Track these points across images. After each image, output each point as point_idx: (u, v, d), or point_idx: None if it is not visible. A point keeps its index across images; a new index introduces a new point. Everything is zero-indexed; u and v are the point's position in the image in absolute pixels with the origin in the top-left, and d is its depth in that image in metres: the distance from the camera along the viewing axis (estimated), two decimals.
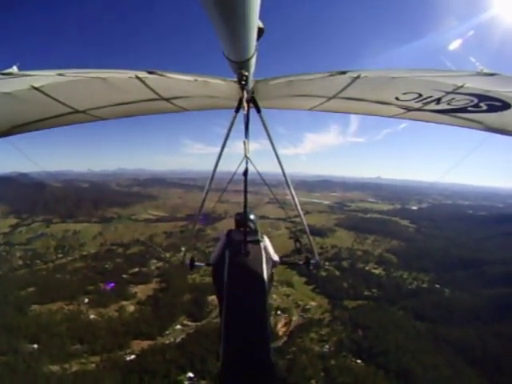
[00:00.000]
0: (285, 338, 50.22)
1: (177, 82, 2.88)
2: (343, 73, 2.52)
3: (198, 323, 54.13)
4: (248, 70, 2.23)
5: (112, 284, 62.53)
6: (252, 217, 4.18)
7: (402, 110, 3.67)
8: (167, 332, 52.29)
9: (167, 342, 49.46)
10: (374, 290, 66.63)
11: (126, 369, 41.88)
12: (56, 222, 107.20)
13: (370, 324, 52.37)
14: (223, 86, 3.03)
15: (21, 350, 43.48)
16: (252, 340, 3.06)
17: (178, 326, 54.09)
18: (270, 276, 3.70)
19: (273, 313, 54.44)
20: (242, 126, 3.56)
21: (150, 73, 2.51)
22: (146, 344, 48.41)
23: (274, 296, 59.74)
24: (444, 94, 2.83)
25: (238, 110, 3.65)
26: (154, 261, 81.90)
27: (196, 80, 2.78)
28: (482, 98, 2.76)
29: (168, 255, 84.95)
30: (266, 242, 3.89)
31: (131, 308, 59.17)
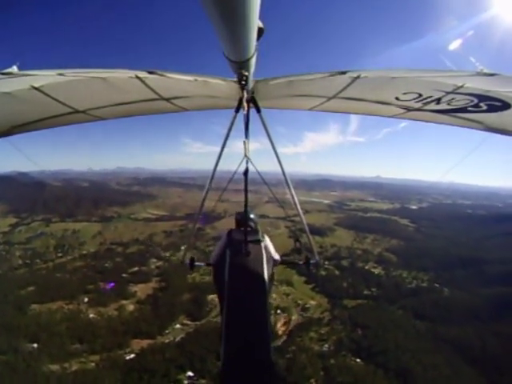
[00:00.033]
0: (284, 337, 50.25)
1: (177, 81, 2.88)
2: (343, 73, 2.52)
3: (198, 322, 54.14)
4: (248, 70, 2.22)
5: (112, 284, 62.56)
6: (252, 216, 4.19)
7: (402, 110, 3.67)
8: (167, 331, 52.28)
9: (167, 341, 49.45)
10: (373, 289, 66.67)
11: (126, 368, 41.86)
12: (55, 221, 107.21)
13: (370, 323, 52.43)
14: (223, 86, 3.03)
15: (20, 349, 43.48)
16: (253, 340, 3.06)
17: (178, 325, 54.10)
18: (271, 276, 3.71)
19: (272, 312, 54.45)
20: (242, 126, 3.56)
21: (150, 73, 2.51)
22: (145, 343, 48.44)
23: (274, 295, 59.69)
24: (444, 94, 2.83)
25: (238, 110, 3.64)
26: (154, 260, 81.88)
27: (196, 80, 2.78)
28: (481, 98, 2.76)
29: (168, 254, 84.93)
30: (267, 241, 3.90)
31: (131, 307, 59.17)
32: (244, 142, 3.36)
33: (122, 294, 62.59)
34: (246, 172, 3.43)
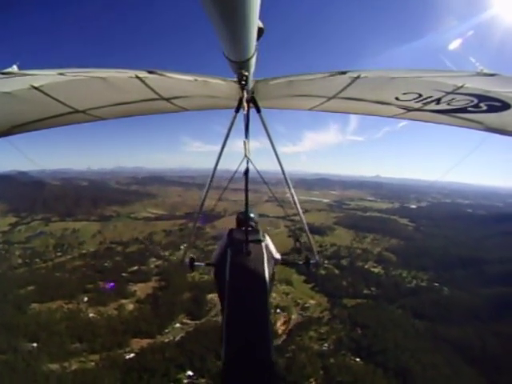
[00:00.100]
0: (284, 337, 50.34)
1: (177, 81, 2.88)
2: (343, 73, 2.52)
3: (198, 321, 54.19)
4: (248, 70, 2.23)
5: (112, 284, 62.47)
6: (254, 216, 4.19)
7: (402, 110, 3.67)
8: (166, 330, 52.34)
9: (166, 340, 49.50)
10: (373, 289, 66.78)
11: (126, 367, 41.92)
12: (55, 221, 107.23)
13: (369, 322, 52.54)
14: (223, 85, 3.03)
15: (20, 348, 43.50)
16: (253, 339, 3.08)
17: (178, 325, 54.16)
18: (272, 275, 3.72)
19: (272, 311, 54.48)
20: (242, 126, 3.56)
21: (150, 72, 2.51)
22: (145, 342, 48.49)
23: (274, 294, 59.72)
24: (444, 94, 2.83)
25: (238, 110, 3.63)
26: (154, 259, 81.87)
27: (196, 80, 2.78)
28: (481, 98, 2.76)
29: (167, 253, 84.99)
30: (268, 241, 3.92)
31: (130, 306, 59.21)
32: (244, 142, 3.35)
33: (121, 293, 62.60)
34: (246, 172, 3.43)
